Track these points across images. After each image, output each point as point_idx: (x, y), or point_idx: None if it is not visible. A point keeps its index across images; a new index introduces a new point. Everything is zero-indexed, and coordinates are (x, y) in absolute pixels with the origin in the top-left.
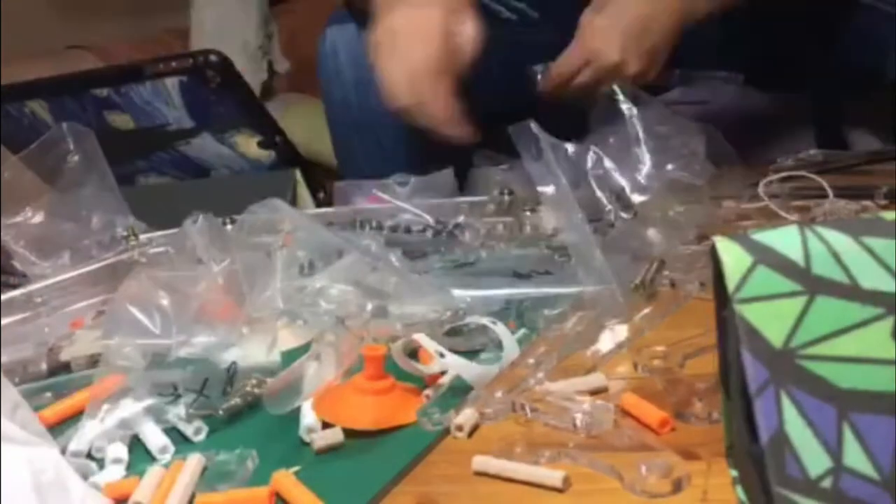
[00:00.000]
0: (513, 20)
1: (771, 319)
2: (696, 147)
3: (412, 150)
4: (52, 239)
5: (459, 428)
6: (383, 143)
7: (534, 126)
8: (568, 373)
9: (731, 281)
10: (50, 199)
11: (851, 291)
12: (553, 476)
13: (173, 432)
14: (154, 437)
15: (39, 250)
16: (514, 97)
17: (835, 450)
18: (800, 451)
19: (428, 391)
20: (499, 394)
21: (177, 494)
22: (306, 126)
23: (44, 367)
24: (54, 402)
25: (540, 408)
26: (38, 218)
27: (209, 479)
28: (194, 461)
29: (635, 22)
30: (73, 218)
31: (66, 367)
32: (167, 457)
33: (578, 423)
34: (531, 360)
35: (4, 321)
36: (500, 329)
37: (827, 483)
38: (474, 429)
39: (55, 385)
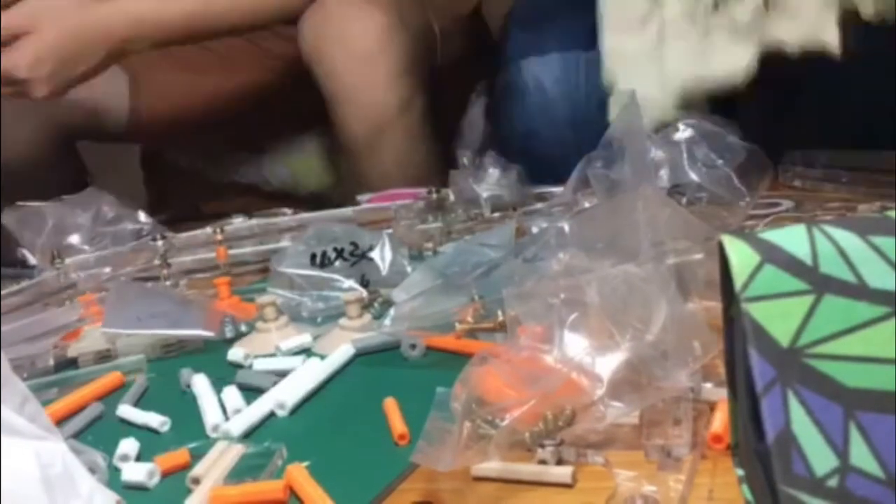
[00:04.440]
0: None
1: (778, 318)
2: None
3: None
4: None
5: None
6: None
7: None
8: None
9: (739, 279)
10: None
11: (859, 290)
12: (562, 473)
13: None
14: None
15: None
16: None
17: (841, 449)
18: (806, 449)
19: None
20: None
21: (209, 479)
22: None
23: (51, 362)
24: (60, 398)
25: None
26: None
27: (236, 471)
28: (235, 451)
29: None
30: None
31: (73, 363)
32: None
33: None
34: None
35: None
36: None
37: (833, 482)
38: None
39: (62, 380)
